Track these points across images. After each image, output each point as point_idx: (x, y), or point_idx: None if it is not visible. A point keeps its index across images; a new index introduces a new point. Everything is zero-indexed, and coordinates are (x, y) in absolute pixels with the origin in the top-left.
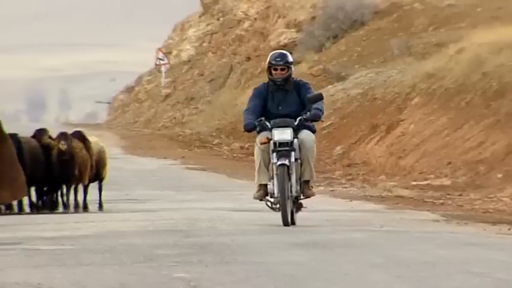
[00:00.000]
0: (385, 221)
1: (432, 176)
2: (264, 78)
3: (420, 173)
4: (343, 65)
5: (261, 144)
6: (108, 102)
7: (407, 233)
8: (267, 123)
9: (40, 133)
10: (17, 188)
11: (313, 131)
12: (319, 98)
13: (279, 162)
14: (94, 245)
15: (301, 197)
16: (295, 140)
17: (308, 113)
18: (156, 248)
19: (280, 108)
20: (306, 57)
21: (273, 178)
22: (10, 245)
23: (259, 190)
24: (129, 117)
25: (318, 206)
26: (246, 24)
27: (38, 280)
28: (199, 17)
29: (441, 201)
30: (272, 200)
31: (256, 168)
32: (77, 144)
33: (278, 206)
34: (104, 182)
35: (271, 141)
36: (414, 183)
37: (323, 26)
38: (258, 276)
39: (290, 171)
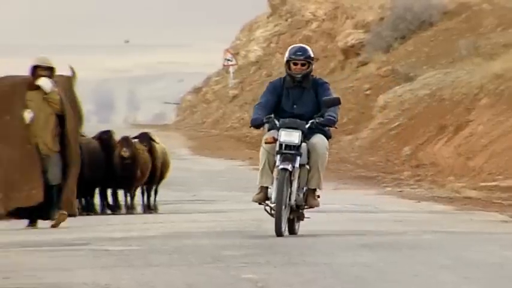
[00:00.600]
0: (454, 222)
1: (501, 177)
2: (336, 79)
3: (489, 174)
4: (411, 65)
5: (266, 143)
6: (176, 103)
7: (475, 234)
8: (276, 122)
9: (104, 135)
10: (32, 192)
11: (328, 137)
12: (336, 102)
13: (281, 166)
14: (162, 246)
15: (305, 206)
16: (304, 144)
17: (321, 117)
18: (224, 248)
19: (295, 106)
20: (373, 58)
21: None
22: (78, 246)
23: (259, 192)
24: (197, 118)
25: (386, 207)
26: (314, 25)
27: (105, 281)
28: (267, 17)
29: (509, 202)
30: (272, 205)
31: (260, 168)
32: (139, 146)
33: None
34: (162, 184)
35: (277, 142)
36: (482, 184)
37: (391, 26)
38: (325, 278)
39: (292, 177)
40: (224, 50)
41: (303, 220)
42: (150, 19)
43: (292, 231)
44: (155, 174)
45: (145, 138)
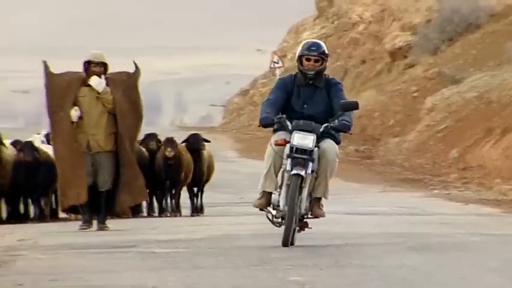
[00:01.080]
0: (501, 224)
1: None
2: (383, 81)
3: None
4: (459, 68)
5: (276, 145)
6: (223, 106)
7: None
8: (287, 123)
9: (149, 138)
10: (137, 191)
11: (338, 142)
12: (354, 106)
13: (294, 171)
14: (208, 248)
15: (309, 215)
16: (316, 149)
17: (336, 121)
18: (271, 251)
19: (305, 106)
20: (421, 60)
21: (280, 187)
22: (125, 248)
23: (261, 197)
24: (244, 121)
25: (433, 210)
26: (361, 27)
27: (152, 283)
28: (314, 20)
29: None
30: (274, 212)
31: (265, 172)
32: (182, 147)
33: (280, 220)
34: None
35: (288, 145)
36: None
37: (438, 28)
38: (372, 280)
39: (303, 184)
40: (272, 52)
41: (304, 230)
42: (197, 21)
43: (292, 242)
44: (202, 177)
45: (195, 140)
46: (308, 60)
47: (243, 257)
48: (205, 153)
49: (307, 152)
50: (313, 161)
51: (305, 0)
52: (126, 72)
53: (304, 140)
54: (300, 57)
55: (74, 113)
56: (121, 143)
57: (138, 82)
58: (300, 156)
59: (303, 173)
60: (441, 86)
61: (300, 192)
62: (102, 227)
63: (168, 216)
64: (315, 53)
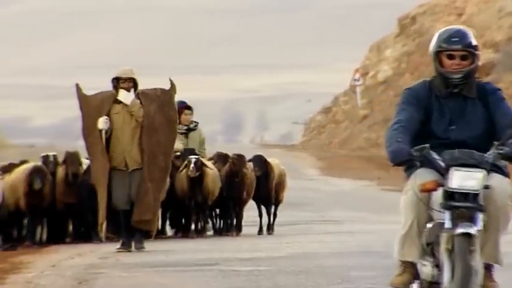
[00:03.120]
0: None
1: None
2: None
3: None
4: None
5: (423, 191)
6: (304, 123)
7: None
8: (436, 157)
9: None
10: (144, 209)
11: (506, 175)
12: None
13: (460, 230)
14: (289, 266)
15: None
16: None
17: (506, 146)
18: (352, 269)
19: (452, 128)
20: (503, 78)
21: (435, 254)
22: (206, 266)
23: (402, 272)
24: (324, 138)
25: None
26: None
27: None
28: (395, 37)
29: None
30: None
31: (403, 232)
32: (247, 165)
33: None
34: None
35: (442, 189)
36: None
37: None
38: None
39: (472, 246)
40: (354, 70)
41: None
42: (280, 39)
43: None
44: (270, 195)
45: (260, 161)
46: (451, 57)
47: (324, 275)
48: (276, 170)
49: (473, 197)
50: (483, 210)
51: (387, 17)
52: (160, 88)
53: (468, 180)
54: (438, 53)
55: (103, 120)
56: (150, 158)
57: (173, 99)
58: (464, 204)
59: (473, 230)
60: None
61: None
62: (139, 247)
63: (228, 235)
64: (458, 45)
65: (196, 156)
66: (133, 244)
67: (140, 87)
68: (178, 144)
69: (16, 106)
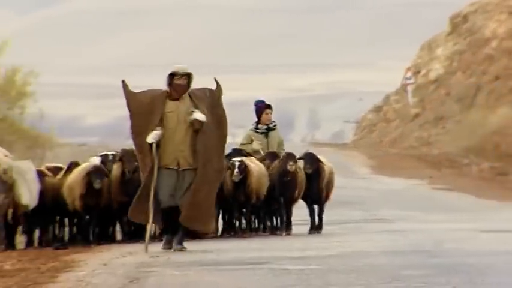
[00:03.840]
0: None
1: None
2: None
3: None
4: None
5: None
6: (356, 122)
7: None
8: None
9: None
10: (202, 214)
11: None
12: None
13: None
14: (340, 265)
15: None
16: None
17: None
18: (403, 268)
19: None
20: None
21: None
22: (257, 265)
23: None
24: (375, 137)
25: None
26: (494, 43)
27: None
28: (447, 36)
29: None
30: None
31: None
32: (298, 164)
33: None
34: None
35: None
36: None
37: None
38: None
39: None
40: (406, 68)
41: None
42: (332, 38)
43: None
44: (321, 194)
45: (311, 159)
46: None
47: (375, 274)
48: (326, 170)
49: None
50: None
51: (438, 16)
52: (208, 88)
53: None
54: None
55: (154, 134)
56: (204, 159)
57: (221, 99)
58: None
59: None
60: None
61: None
62: (179, 248)
63: (277, 234)
64: None
65: (240, 159)
66: (173, 244)
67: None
68: (257, 145)
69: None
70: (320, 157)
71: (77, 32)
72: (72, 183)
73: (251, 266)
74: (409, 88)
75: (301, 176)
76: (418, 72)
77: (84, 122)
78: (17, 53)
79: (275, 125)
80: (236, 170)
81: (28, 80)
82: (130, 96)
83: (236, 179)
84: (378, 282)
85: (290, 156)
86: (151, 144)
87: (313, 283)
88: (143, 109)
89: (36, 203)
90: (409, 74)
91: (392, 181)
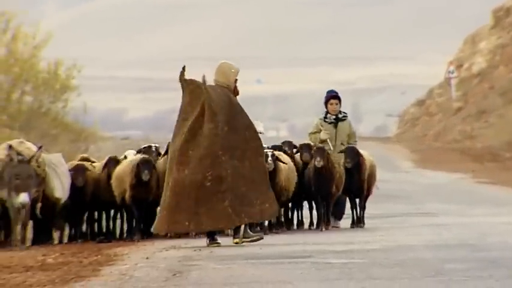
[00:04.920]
0: None
1: None
2: None
3: None
4: None
5: None
6: (398, 116)
7: None
8: None
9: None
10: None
11: None
12: None
13: None
14: (383, 259)
15: None
16: None
17: None
18: (446, 262)
19: None
20: None
21: None
22: (300, 259)
23: None
24: (418, 131)
25: None
26: None
27: None
28: (490, 29)
29: None
30: None
31: None
32: (333, 158)
33: None
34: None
35: None
36: None
37: None
38: None
39: None
40: (448, 62)
41: None
42: (376, 32)
43: None
44: (362, 187)
45: (352, 153)
46: None
47: (419, 268)
48: (367, 163)
49: None
50: None
51: (481, 9)
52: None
53: None
54: None
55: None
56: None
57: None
58: None
59: None
60: None
61: None
62: (248, 239)
63: (315, 230)
64: None
65: (271, 150)
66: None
67: (239, 80)
68: (324, 135)
69: (112, 99)
70: (361, 151)
71: (119, 25)
72: (122, 174)
73: (294, 259)
74: (452, 82)
75: (340, 172)
76: (461, 65)
77: (127, 116)
78: (60, 46)
79: (344, 116)
80: (270, 159)
81: (71, 74)
82: (206, 90)
83: (270, 167)
84: (422, 276)
85: (320, 150)
86: None
87: (356, 277)
88: (215, 108)
89: (67, 197)
90: (451, 68)
91: (435, 175)
